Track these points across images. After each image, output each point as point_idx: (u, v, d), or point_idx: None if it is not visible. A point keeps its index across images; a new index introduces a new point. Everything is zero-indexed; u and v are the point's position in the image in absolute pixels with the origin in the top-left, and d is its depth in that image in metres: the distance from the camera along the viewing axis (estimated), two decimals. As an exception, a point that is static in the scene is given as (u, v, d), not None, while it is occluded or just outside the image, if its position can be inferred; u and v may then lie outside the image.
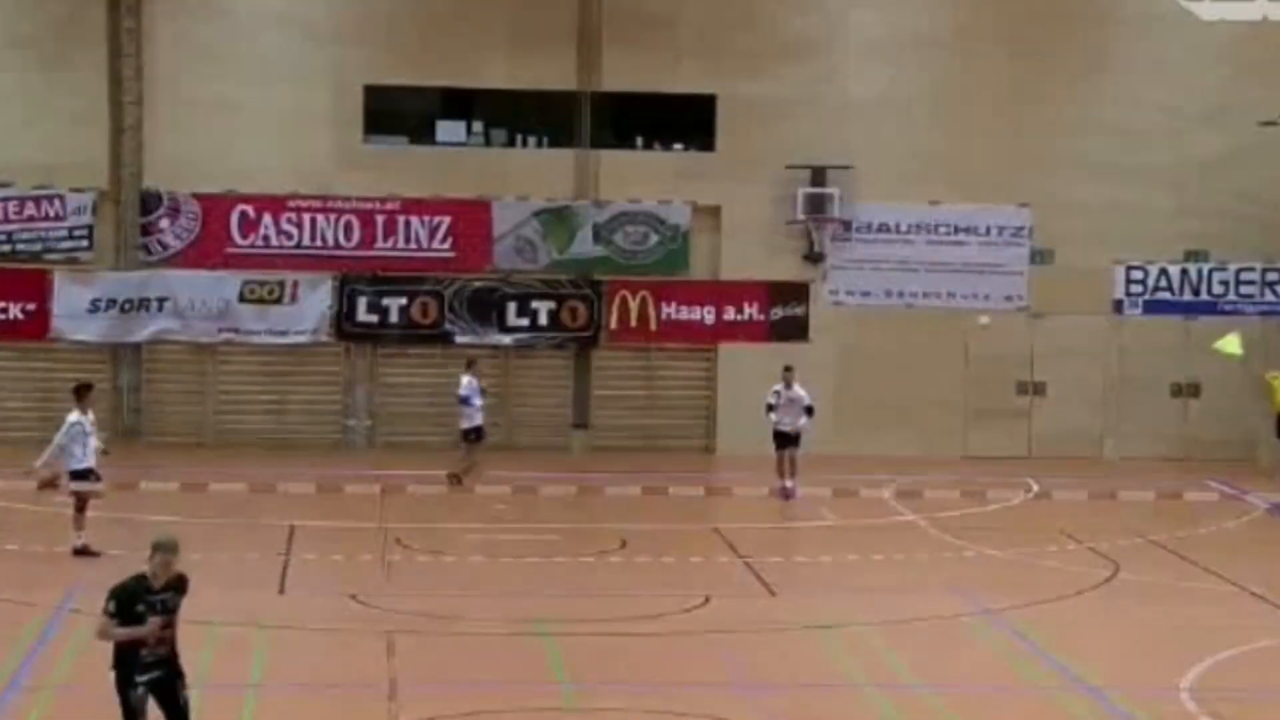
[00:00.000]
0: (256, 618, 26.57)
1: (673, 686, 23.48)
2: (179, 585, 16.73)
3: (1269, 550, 32.96)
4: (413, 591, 28.91)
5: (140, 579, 16.17)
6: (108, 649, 23.36)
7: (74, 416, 31.33)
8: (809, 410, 35.84)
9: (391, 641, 25.11)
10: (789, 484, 35.23)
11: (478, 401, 35.68)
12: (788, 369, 36.01)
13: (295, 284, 40.48)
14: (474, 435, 35.56)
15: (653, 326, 41.12)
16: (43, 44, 39.95)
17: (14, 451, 37.17)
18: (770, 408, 35.66)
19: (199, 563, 29.19)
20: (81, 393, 32.12)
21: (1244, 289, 41.06)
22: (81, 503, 30.78)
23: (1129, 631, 27.23)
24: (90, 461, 31.08)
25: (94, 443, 31.15)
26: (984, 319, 40.37)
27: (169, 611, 16.33)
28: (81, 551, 30.39)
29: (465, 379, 35.84)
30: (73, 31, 39.96)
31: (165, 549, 16.50)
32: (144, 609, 15.99)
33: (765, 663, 24.58)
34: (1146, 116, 41.14)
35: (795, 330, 40.73)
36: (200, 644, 23.28)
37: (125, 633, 16.38)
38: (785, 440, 35.42)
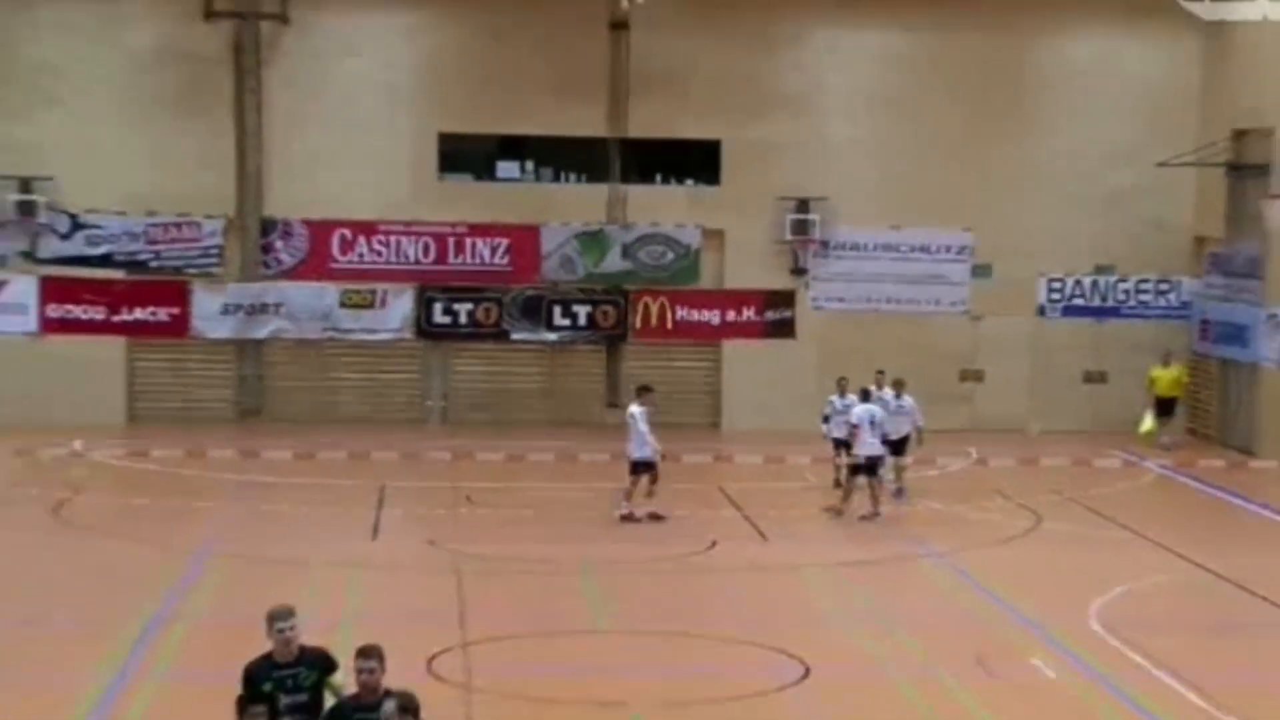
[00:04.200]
0: (353, 559, 27.56)
1: (685, 613, 24.56)
2: (315, 660, 13.98)
3: (1159, 505, 34.28)
4: (478, 537, 29.43)
5: (267, 656, 13.74)
6: (244, 590, 25.11)
7: (635, 409, 31.54)
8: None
9: (460, 577, 26.05)
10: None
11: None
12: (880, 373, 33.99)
13: (384, 293, 41.00)
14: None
15: (669, 326, 41.74)
16: (183, 102, 40.41)
17: (158, 427, 39.34)
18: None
19: (308, 516, 31.01)
20: (641, 392, 32.40)
21: (1142, 297, 42.12)
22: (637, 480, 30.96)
23: (1050, 570, 27.96)
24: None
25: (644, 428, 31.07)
26: (1035, 428, 40.67)
27: (299, 690, 13.66)
28: (628, 517, 30.68)
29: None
30: (208, 93, 40.50)
31: (273, 617, 13.92)
32: (272, 687, 13.55)
33: (758, 595, 26.07)
34: (1066, 157, 41.76)
35: (784, 330, 41.58)
36: (309, 583, 25.46)
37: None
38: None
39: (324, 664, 13.78)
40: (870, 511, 31.42)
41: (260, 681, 13.32)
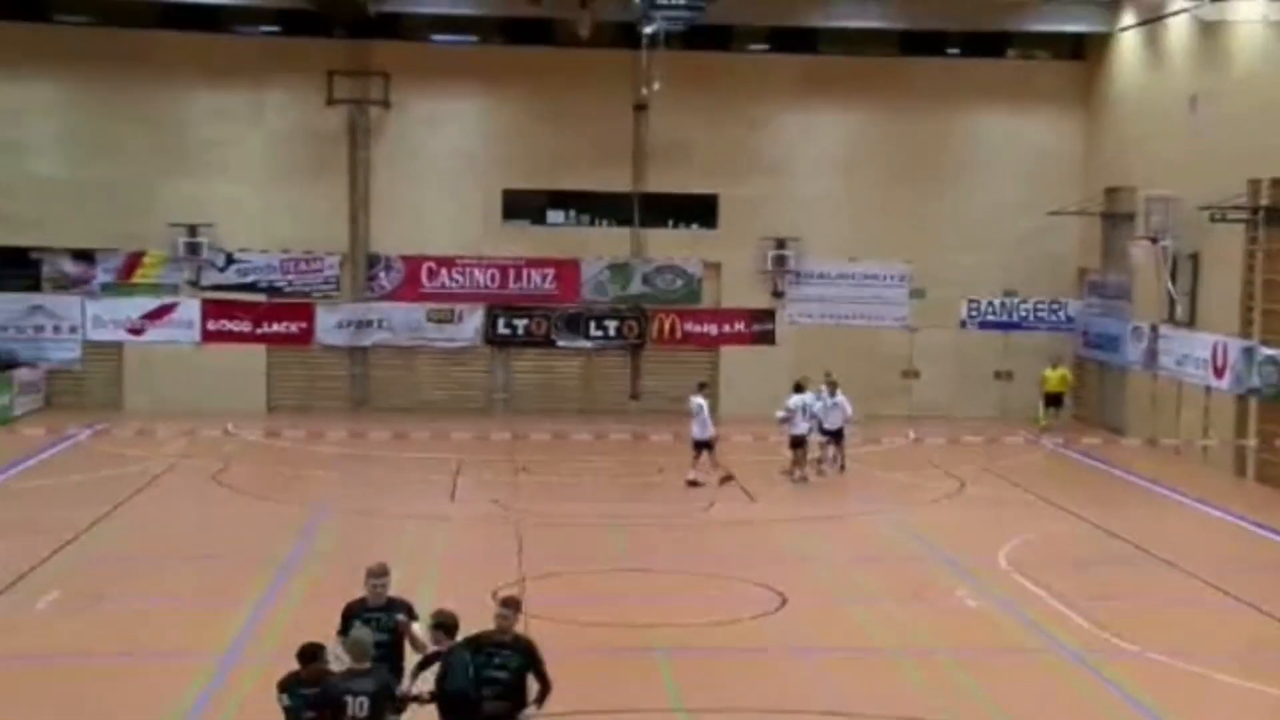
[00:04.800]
0: (436, 514, 27.89)
1: (689, 557, 24.81)
2: (400, 608, 13.63)
3: (1052, 473, 33.85)
4: (531, 498, 29.46)
5: (362, 600, 13.64)
6: (353, 536, 25.07)
7: (700, 400, 30.83)
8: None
9: (519, 531, 25.97)
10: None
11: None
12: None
13: (460, 311, 40.63)
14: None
15: (678, 336, 41.26)
16: (310, 167, 40.21)
17: (289, 414, 39.29)
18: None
19: (401, 481, 31.21)
20: (701, 387, 32.15)
21: (1038, 314, 41.69)
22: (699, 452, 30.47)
23: (970, 523, 28.23)
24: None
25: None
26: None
27: (383, 630, 13.20)
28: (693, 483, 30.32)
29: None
30: (328, 160, 40.19)
31: (370, 573, 13.81)
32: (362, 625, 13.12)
33: (747, 543, 26.18)
34: (981, 208, 41.32)
35: (767, 338, 41.20)
36: (403, 531, 25.96)
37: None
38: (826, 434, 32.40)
39: (406, 613, 13.47)
40: (799, 475, 31.46)
41: (354, 619, 13.16)
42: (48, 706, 16.64)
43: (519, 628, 12.99)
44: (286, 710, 11.95)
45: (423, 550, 24.44)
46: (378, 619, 13.25)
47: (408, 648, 13.38)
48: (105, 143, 39.84)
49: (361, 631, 12.51)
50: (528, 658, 12.56)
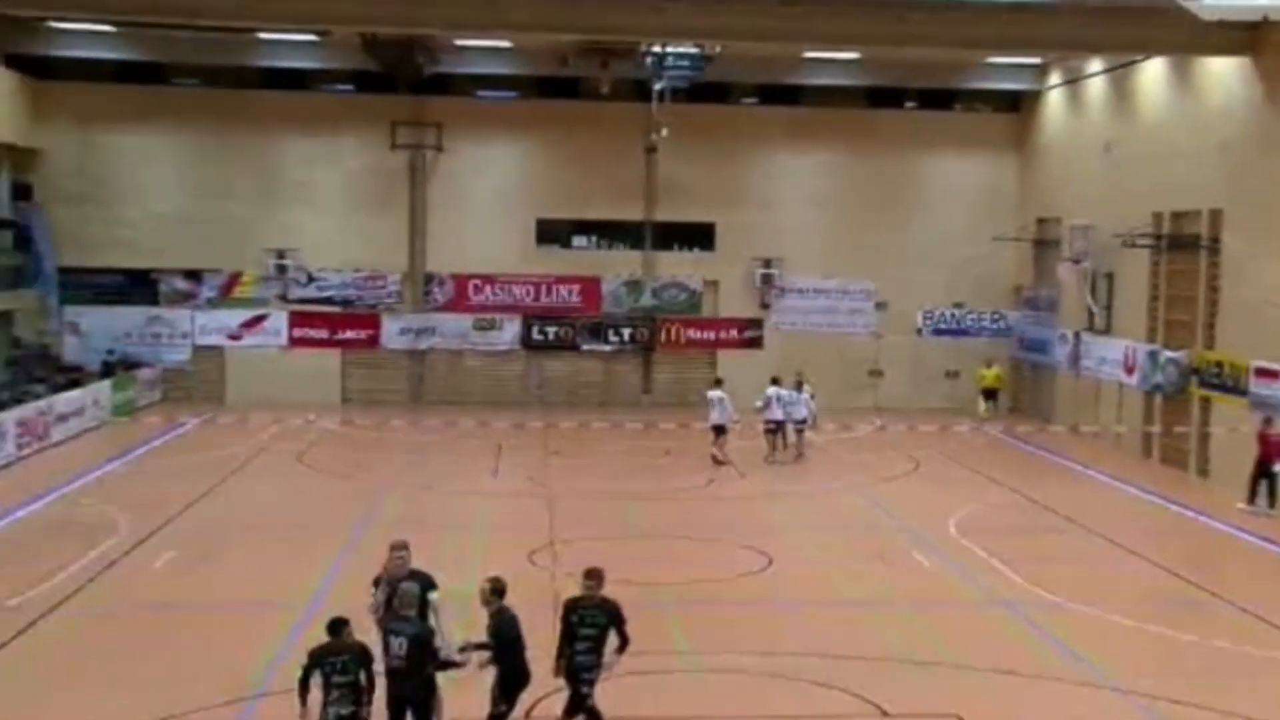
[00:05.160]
0: (481, 489, 27.80)
1: (690, 524, 24.82)
2: (420, 579, 12.99)
3: (993, 455, 33.66)
4: (561, 476, 29.33)
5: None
6: (413, 507, 25.06)
7: (721, 393, 31.03)
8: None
9: (551, 502, 26.15)
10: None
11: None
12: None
13: (501, 320, 40.55)
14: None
15: (682, 341, 41.17)
16: (377, 201, 40.26)
17: (359, 406, 39.00)
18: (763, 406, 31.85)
19: (452, 462, 31.07)
20: (718, 383, 32.32)
21: (981, 323, 41.48)
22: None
23: (924, 496, 28.10)
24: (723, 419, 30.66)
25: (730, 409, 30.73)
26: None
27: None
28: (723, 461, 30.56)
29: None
30: (392, 195, 40.28)
31: (392, 546, 13.38)
32: (389, 594, 12.62)
33: (738, 513, 26.18)
34: (934, 234, 41.38)
35: (756, 343, 40.98)
36: (453, 503, 25.92)
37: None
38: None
39: (426, 582, 12.99)
40: (775, 457, 31.48)
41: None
42: (164, 647, 16.80)
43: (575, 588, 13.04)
44: (309, 673, 11.52)
45: (470, 519, 24.73)
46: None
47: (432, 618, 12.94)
48: (211, 183, 40.02)
49: (409, 585, 12.38)
50: (612, 618, 12.68)
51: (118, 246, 39.40)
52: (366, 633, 12.44)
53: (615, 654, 12.72)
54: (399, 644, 11.73)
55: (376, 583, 13.13)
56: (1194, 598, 20.17)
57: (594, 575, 12.89)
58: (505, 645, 12.45)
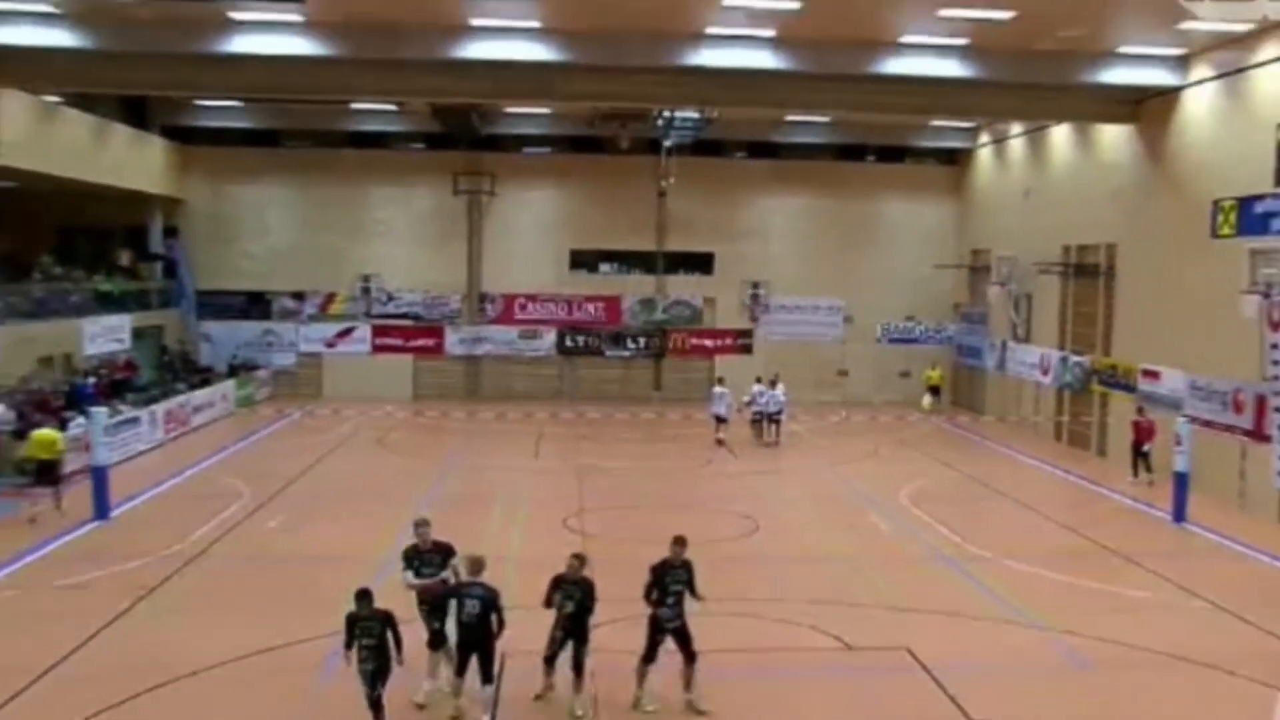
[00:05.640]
0: (524, 467, 27.28)
1: (691, 495, 24.86)
2: (442, 549, 12.46)
3: (936, 439, 33.40)
4: (590, 455, 29.34)
5: (415, 545, 12.47)
6: (471, 481, 24.87)
7: (722, 389, 31.42)
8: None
9: (581, 477, 26.08)
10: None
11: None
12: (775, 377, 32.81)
13: (541, 331, 40.43)
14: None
15: (687, 348, 40.87)
16: (442, 235, 40.07)
17: (427, 400, 38.64)
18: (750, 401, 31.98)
19: (501, 445, 31.05)
20: (720, 380, 32.69)
21: (928, 333, 41.19)
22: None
23: (881, 472, 27.57)
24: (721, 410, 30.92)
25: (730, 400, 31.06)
26: (925, 403, 39.78)
27: (431, 566, 12.32)
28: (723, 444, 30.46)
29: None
30: (454, 231, 40.06)
31: (416, 523, 12.64)
32: (418, 564, 12.33)
33: (732, 486, 25.91)
34: (890, 261, 41.18)
35: (747, 350, 40.60)
36: (498, 477, 25.80)
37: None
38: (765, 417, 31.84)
39: (447, 552, 12.45)
40: (763, 442, 31.42)
41: (409, 560, 12.42)
42: (275, 589, 16.90)
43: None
44: (349, 634, 11.15)
45: (516, 490, 24.56)
46: (427, 562, 12.37)
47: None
48: (312, 222, 40.06)
49: (478, 553, 11.95)
50: (691, 573, 12.38)
51: (240, 274, 39.72)
52: (401, 597, 12.12)
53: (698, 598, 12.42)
54: (472, 605, 11.46)
55: (409, 551, 12.44)
56: (1091, 551, 20.16)
57: (679, 541, 12.43)
58: (586, 605, 12.19)
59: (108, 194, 34.80)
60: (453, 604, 11.75)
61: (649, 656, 12.23)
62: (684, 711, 12.12)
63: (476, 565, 11.71)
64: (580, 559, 12.39)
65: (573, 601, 12.06)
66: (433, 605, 12.29)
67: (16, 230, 32.42)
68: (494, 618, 11.46)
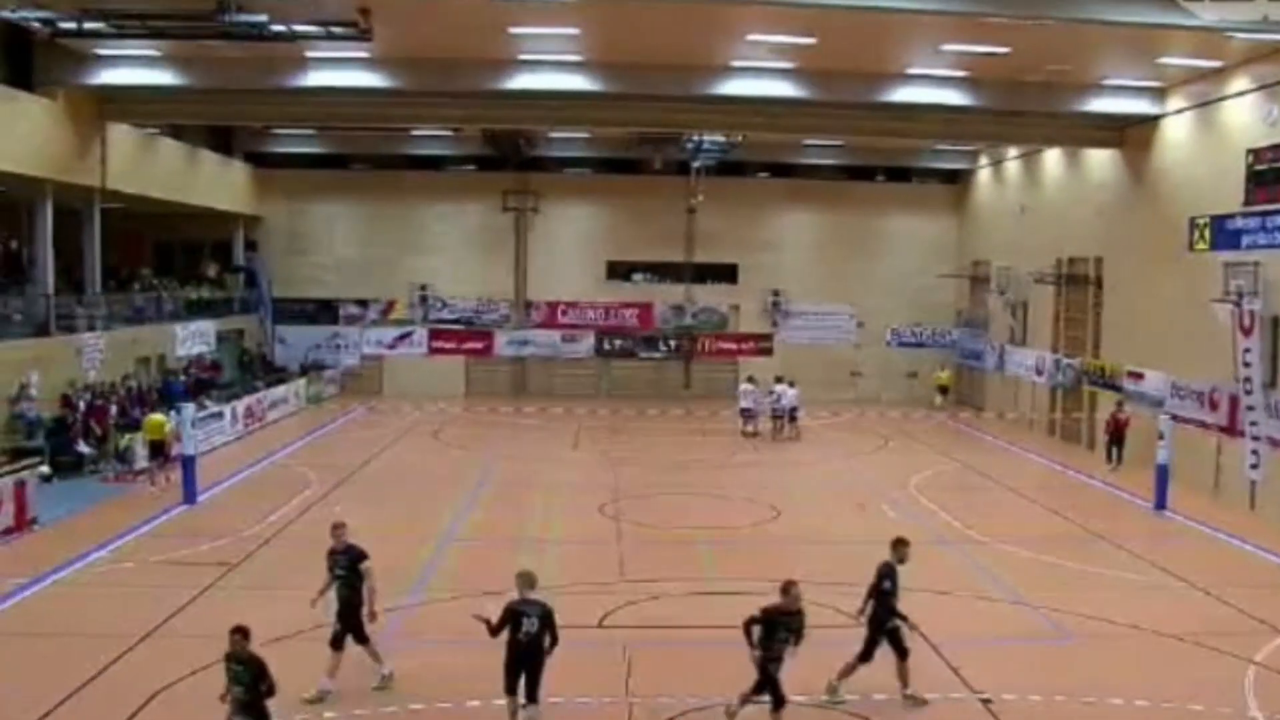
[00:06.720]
0: (563, 458, 27.58)
1: (716, 485, 24.40)
2: (353, 551, 11.61)
3: (942, 433, 33.27)
4: (624, 448, 29.21)
5: (332, 548, 11.66)
6: (516, 471, 24.98)
7: (750, 386, 31.80)
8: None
9: (616, 466, 26.20)
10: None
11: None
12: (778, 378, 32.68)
13: (580, 335, 40.35)
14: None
15: (714, 351, 40.79)
16: (492, 248, 40.14)
17: (477, 397, 38.45)
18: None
19: (544, 438, 30.86)
20: (750, 379, 32.67)
21: (933, 337, 40.81)
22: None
23: (891, 464, 27.74)
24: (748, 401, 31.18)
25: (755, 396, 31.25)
26: (938, 400, 38.53)
27: (342, 568, 11.49)
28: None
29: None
30: (502, 243, 40.19)
31: (334, 526, 11.86)
32: (332, 564, 11.61)
33: (754, 476, 25.77)
34: (898, 272, 40.92)
35: (767, 352, 40.31)
36: (541, 466, 25.67)
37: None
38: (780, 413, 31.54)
39: (357, 555, 11.64)
40: (782, 436, 31.15)
41: (328, 561, 11.75)
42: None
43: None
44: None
45: (556, 479, 24.49)
46: (339, 562, 11.65)
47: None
48: (376, 236, 40.29)
49: (529, 569, 10.82)
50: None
51: (311, 283, 39.94)
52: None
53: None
54: (530, 623, 10.28)
55: (331, 553, 11.79)
56: (1079, 535, 20.06)
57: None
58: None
59: (198, 213, 35.53)
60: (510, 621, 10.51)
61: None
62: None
63: (530, 580, 10.59)
64: (792, 584, 10.93)
65: (790, 633, 10.74)
66: (341, 608, 11.62)
67: (121, 246, 33.39)
68: (548, 635, 10.41)
